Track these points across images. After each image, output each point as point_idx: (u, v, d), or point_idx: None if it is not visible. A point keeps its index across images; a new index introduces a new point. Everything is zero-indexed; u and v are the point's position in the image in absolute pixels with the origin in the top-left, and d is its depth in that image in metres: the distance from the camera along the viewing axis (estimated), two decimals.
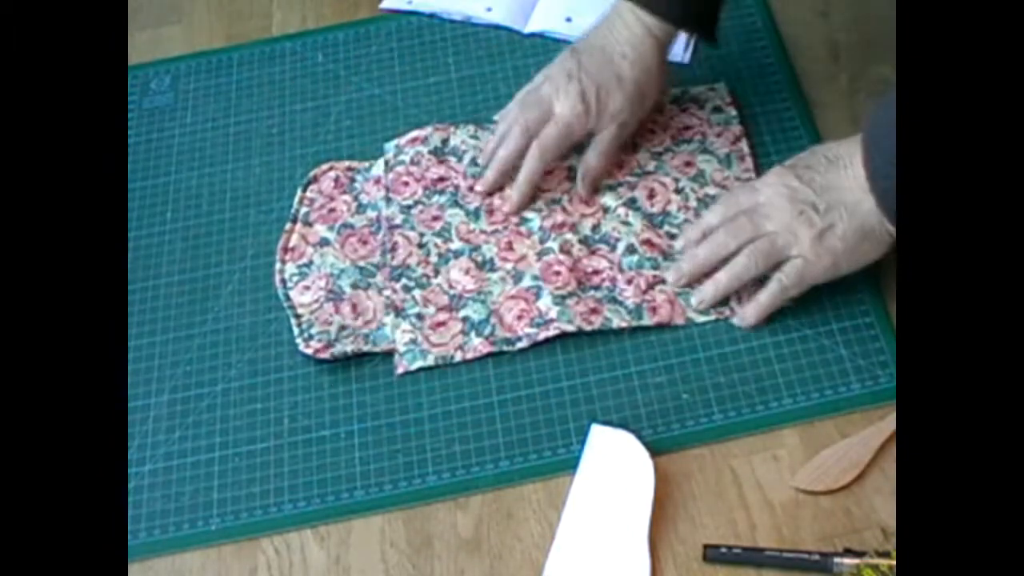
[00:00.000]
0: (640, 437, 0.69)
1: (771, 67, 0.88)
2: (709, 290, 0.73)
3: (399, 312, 0.77)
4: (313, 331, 0.76)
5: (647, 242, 0.78)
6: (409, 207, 0.83)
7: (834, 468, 0.67)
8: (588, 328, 0.74)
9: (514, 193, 0.80)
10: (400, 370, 0.75)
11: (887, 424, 0.68)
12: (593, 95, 0.78)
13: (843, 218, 0.68)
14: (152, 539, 0.70)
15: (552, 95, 0.79)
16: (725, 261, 0.72)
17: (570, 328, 0.74)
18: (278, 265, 0.81)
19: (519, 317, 0.75)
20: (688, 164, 0.82)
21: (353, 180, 0.86)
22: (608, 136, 0.80)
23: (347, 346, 0.75)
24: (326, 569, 0.68)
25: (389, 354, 0.76)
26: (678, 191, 0.81)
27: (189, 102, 0.95)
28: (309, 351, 0.75)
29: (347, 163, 0.87)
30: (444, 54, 0.94)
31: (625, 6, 0.79)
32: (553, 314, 0.74)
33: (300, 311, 0.78)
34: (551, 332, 0.74)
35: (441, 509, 0.69)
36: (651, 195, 0.81)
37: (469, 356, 0.75)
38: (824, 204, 0.68)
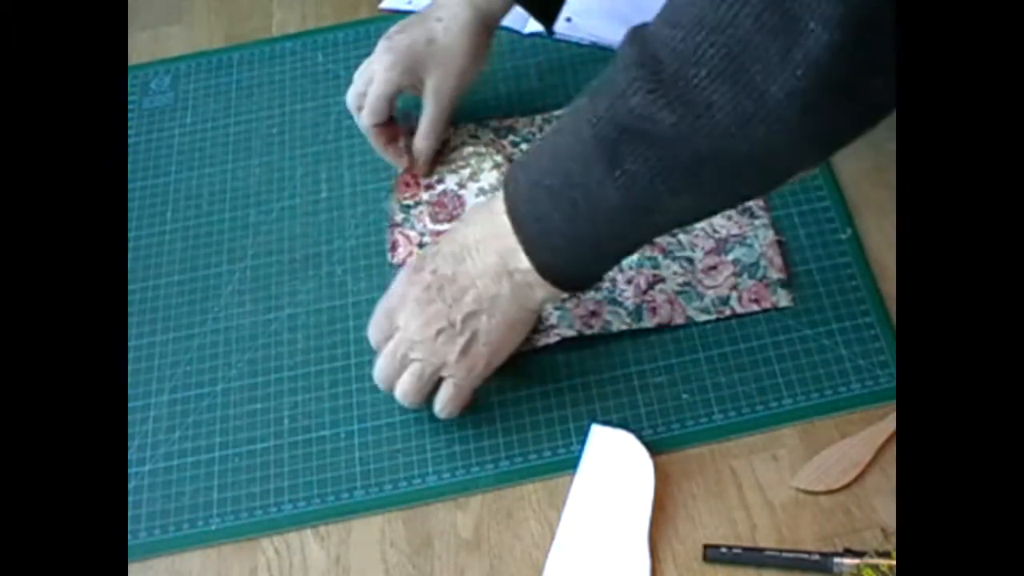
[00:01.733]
0: (640, 437, 0.69)
1: None
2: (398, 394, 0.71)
3: None
4: None
5: None
6: (409, 207, 0.83)
7: (834, 468, 0.67)
8: (588, 332, 0.74)
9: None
10: None
11: (887, 424, 0.68)
12: (404, 51, 0.80)
13: (482, 322, 0.66)
14: (152, 539, 0.70)
15: (373, 62, 0.82)
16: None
17: (570, 333, 0.74)
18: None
19: None
20: None
21: None
22: (428, 113, 0.81)
23: None
24: (326, 569, 0.68)
25: None
26: None
27: (189, 102, 0.95)
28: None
29: None
30: None
31: None
32: (553, 319, 0.74)
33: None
34: (552, 339, 0.74)
35: (441, 509, 0.69)
36: None
37: None
38: (460, 316, 0.66)
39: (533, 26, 0.94)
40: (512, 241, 0.64)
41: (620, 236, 0.63)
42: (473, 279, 0.66)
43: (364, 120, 0.82)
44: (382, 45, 0.81)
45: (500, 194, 0.65)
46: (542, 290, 0.65)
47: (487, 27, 0.81)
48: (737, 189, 0.59)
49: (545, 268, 0.64)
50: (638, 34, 0.55)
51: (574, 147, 0.58)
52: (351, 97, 0.83)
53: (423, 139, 0.82)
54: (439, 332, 0.67)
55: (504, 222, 0.63)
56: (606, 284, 0.76)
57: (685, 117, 0.53)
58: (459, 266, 0.66)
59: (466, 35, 0.79)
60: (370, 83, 0.81)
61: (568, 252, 0.63)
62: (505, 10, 0.81)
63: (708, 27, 0.51)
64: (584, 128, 0.57)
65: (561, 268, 0.64)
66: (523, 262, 0.64)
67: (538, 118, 0.87)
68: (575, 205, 0.59)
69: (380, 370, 0.70)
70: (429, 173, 0.84)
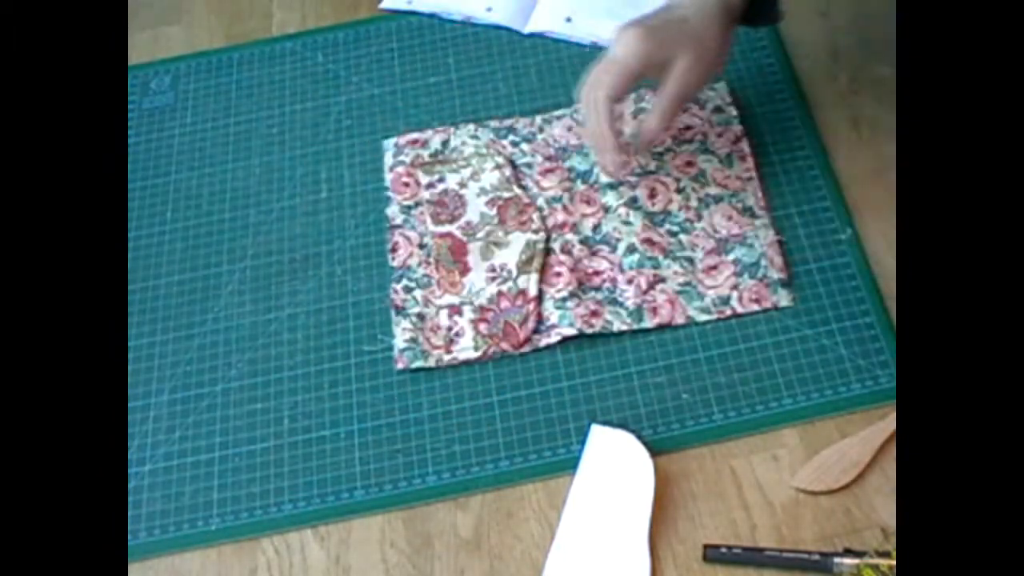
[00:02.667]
0: (640, 437, 0.69)
1: (771, 67, 0.88)
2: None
3: (400, 311, 0.77)
4: None
5: (647, 240, 0.78)
6: (409, 207, 0.83)
7: (834, 468, 0.67)
8: (589, 331, 0.74)
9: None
10: (400, 365, 0.75)
11: (887, 424, 0.68)
12: (658, 24, 0.74)
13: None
14: (152, 539, 0.70)
15: (617, 41, 0.75)
16: None
17: (571, 332, 0.74)
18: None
19: (538, 332, 0.75)
20: (689, 164, 0.82)
21: None
22: (670, 91, 0.74)
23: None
24: (326, 569, 0.68)
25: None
26: (679, 191, 0.81)
27: (189, 102, 0.95)
28: None
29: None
30: (444, 54, 0.94)
31: None
32: (554, 319, 0.75)
33: None
34: (552, 339, 0.74)
35: (441, 509, 0.69)
36: (652, 194, 0.81)
37: (470, 357, 0.75)
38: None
39: (533, 26, 0.94)
40: None
41: None
42: None
43: (600, 92, 0.74)
44: (626, 25, 0.74)
45: None
46: None
47: (731, 18, 0.76)
48: None
49: None
50: None
51: None
52: (594, 83, 0.75)
53: (658, 117, 0.75)
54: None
55: None
56: (607, 284, 0.76)
57: None
58: None
59: (715, 24, 0.74)
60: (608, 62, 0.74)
61: None
62: (741, 10, 0.76)
63: None
64: None
65: None
66: None
67: (538, 118, 0.87)
68: None
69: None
70: (647, 150, 0.80)
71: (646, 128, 0.75)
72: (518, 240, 0.79)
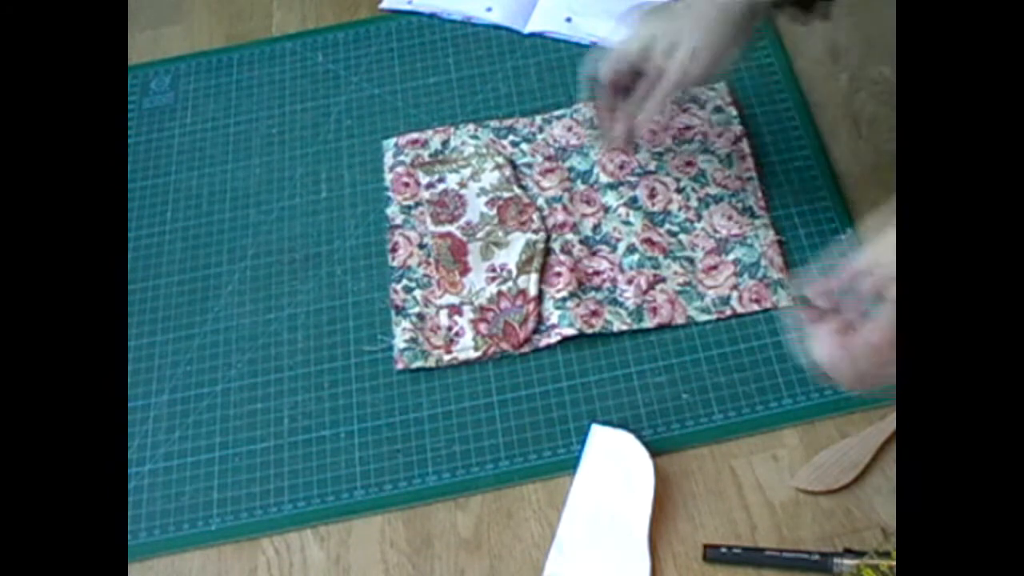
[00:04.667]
0: (640, 437, 0.69)
1: (771, 67, 0.88)
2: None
3: (400, 311, 0.77)
4: None
5: (647, 241, 0.78)
6: (409, 207, 0.83)
7: (834, 468, 0.67)
8: (589, 331, 0.74)
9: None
10: (400, 366, 0.75)
11: (887, 424, 0.68)
12: (663, 8, 0.72)
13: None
14: (152, 539, 0.70)
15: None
16: None
17: (571, 332, 0.74)
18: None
19: (538, 332, 0.75)
20: (689, 164, 0.82)
21: None
22: (670, 76, 0.71)
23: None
24: (326, 569, 0.68)
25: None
26: (679, 190, 0.81)
27: (189, 102, 0.95)
28: None
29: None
30: (444, 54, 0.94)
31: None
32: (554, 319, 0.75)
33: None
34: (552, 339, 0.74)
35: (441, 509, 0.69)
36: (652, 194, 0.81)
37: (470, 357, 0.75)
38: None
39: (533, 26, 0.94)
40: None
41: None
42: None
43: (598, 74, 0.74)
44: (628, 10, 0.74)
45: None
46: None
47: (753, 11, 0.71)
48: None
49: None
50: None
51: None
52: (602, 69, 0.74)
53: (654, 100, 0.72)
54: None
55: None
56: (607, 284, 0.76)
57: None
58: None
59: (729, 12, 0.70)
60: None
61: None
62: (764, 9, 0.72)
63: None
64: None
65: None
66: None
67: (538, 118, 0.87)
68: None
69: None
70: (630, 145, 0.79)
71: (643, 115, 0.74)
72: (518, 240, 0.79)
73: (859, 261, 0.59)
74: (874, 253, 0.59)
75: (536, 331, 0.75)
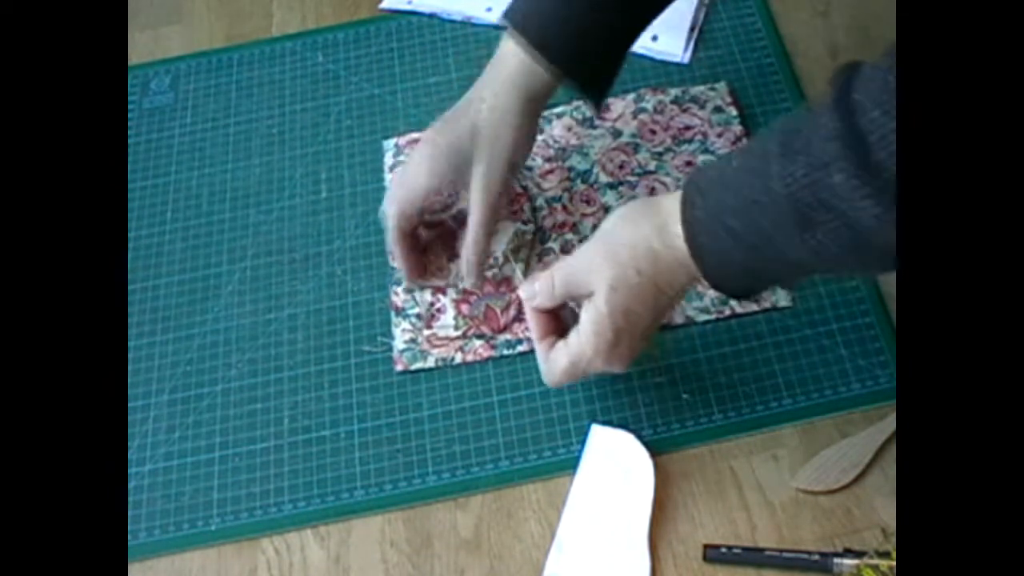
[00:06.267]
0: (640, 437, 0.69)
1: (771, 67, 0.88)
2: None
3: (400, 312, 0.77)
4: None
5: None
6: None
7: (834, 468, 0.67)
8: None
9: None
10: (399, 367, 0.75)
11: (887, 424, 0.68)
12: (446, 149, 0.72)
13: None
14: (152, 539, 0.70)
15: (410, 162, 0.74)
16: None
17: None
18: None
19: (520, 320, 0.75)
20: (689, 164, 0.82)
21: None
22: (476, 213, 0.72)
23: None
24: (326, 569, 0.68)
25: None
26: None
27: (189, 102, 0.95)
28: None
29: None
30: (444, 54, 0.94)
31: (507, 46, 0.71)
32: None
33: None
34: None
35: (441, 509, 0.69)
36: (652, 194, 0.81)
37: (470, 358, 0.75)
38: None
39: None
40: (688, 261, 0.60)
41: (798, 275, 0.62)
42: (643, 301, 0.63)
43: (390, 230, 0.75)
44: (422, 142, 0.73)
45: (669, 207, 0.60)
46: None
47: (534, 111, 0.72)
48: None
49: (714, 285, 0.61)
50: (845, 101, 0.51)
51: (761, 197, 0.55)
52: (387, 203, 0.74)
53: (472, 246, 0.72)
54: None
55: (681, 246, 0.60)
56: None
57: (888, 212, 0.49)
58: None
59: (511, 119, 0.71)
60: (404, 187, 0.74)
61: (740, 280, 0.60)
62: (551, 91, 0.72)
63: None
64: (776, 182, 0.54)
65: (729, 288, 0.62)
66: (692, 272, 0.61)
67: None
68: (758, 251, 0.57)
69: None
70: (480, 286, 0.76)
71: (467, 262, 0.74)
72: (507, 229, 0.79)
73: (555, 275, 0.65)
74: (565, 270, 0.65)
75: (517, 319, 0.75)
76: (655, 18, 0.74)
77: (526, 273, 0.77)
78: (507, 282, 0.77)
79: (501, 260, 0.78)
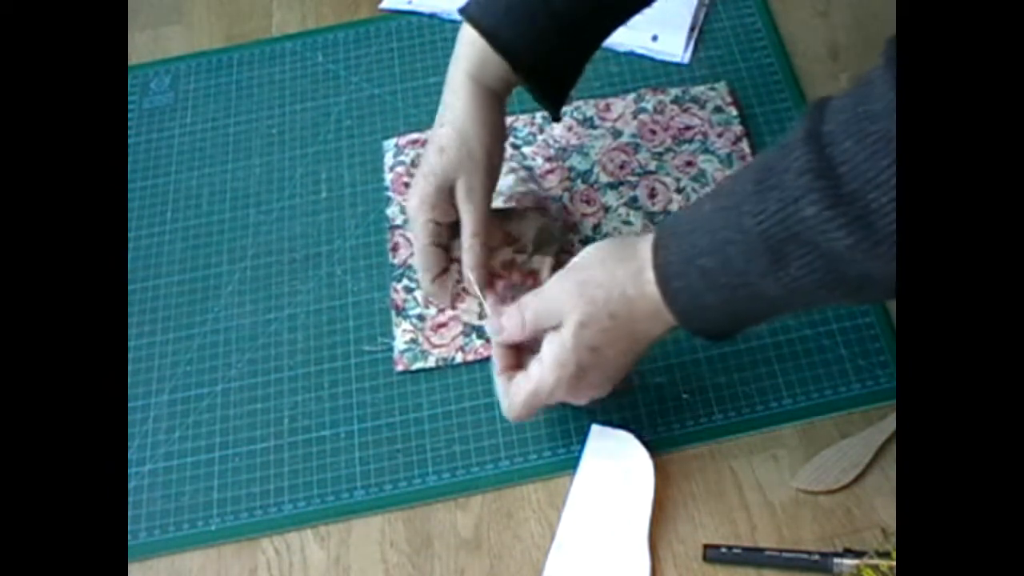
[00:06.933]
0: (640, 437, 0.69)
1: (771, 67, 0.88)
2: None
3: (400, 312, 0.77)
4: None
5: None
6: None
7: (834, 468, 0.67)
8: None
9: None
10: (400, 367, 0.75)
11: (887, 424, 0.68)
12: (432, 190, 0.72)
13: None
14: (152, 539, 0.70)
15: (409, 201, 0.75)
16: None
17: None
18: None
19: None
20: (689, 164, 0.82)
21: None
22: (467, 222, 0.72)
23: None
24: (326, 569, 0.68)
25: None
26: (679, 190, 0.81)
27: (189, 102, 0.95)
28: None
29: None
30: (444, 54, 0.93)
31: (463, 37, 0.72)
32: None
33: None
34: None
35: (441, 509, 0.69)
36: (652, 194, 0.81)
37: (470, 358, 0.75)
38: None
39: None
40: (661, 307, 0.61)
41: (773, 313, 0.62)
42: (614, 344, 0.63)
43: (423, 278, 0.76)
44: (413, 185, 0.74)
45: (643, 252, 0.60)
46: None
47: (495, 105, 0.72)
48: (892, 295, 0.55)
49: (689, 328, 0.62)
50: (815, 133, 0.51)
51: (734, 235, 0.55)
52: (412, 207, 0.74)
53: (470, 250, 0.73)
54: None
55: (654, 292, 0.60)
56: None
57: (862, 242, 0.50)
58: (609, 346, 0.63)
59: (476, 124, 0.71)
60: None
61: (716, 322, 0.61)
62: (509, 87, 0.72)
63: (895, 152, 0.48)
64: (747, 219, 0.54)
65: (705, 331, 0.62)
66: (667, 321, 0.61)
67: (538, 116, 0.87)
68: (733, 290, 0.57)
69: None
70: (488, 284, 0.74)
71: (467, 266, 0.73)
72: (534, 219, 0.77)
73: (526, 307, 0.65)
74: (538, 302, 0.64)
75: None
76: (618, 26, 0.75)
77: (553, 269, 0.75)
78: (534, 275, 0.76)
79: (530, 248, 0.77)
